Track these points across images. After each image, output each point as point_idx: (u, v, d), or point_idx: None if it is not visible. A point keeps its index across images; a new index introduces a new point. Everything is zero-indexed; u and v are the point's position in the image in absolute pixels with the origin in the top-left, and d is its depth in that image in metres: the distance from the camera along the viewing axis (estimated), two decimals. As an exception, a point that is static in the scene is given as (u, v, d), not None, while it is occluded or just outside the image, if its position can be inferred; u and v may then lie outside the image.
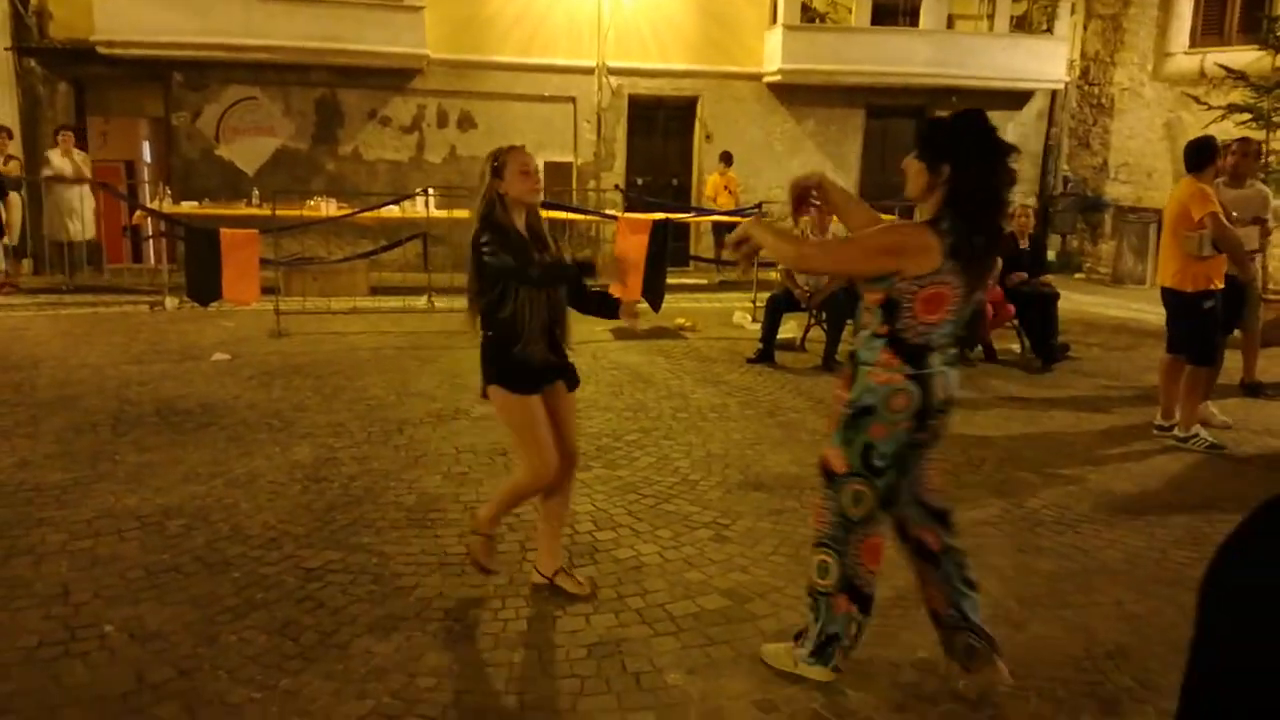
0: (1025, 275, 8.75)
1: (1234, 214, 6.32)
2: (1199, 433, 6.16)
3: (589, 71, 14.39)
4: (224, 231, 9.30)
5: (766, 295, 9.31)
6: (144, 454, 5.45)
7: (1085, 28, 15.95)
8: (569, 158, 14.58)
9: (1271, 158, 10.11)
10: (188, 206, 11.80)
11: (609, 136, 14.73)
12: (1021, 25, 15.87)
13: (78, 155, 11.82)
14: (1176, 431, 6.24)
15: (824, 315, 8.63)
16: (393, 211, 11.78)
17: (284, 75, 13.39)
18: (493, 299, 3.50)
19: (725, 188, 14.04)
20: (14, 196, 11.33)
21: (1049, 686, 3.19)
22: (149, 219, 11.48)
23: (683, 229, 13.51)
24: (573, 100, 14.46)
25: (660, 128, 15.20)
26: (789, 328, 8.94)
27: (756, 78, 15.07)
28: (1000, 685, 3.09)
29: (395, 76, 13.75)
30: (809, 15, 14.90)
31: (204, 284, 9.36)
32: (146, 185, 13.34)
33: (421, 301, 10.89)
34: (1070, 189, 16.42)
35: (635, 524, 4.55)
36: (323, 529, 4.44)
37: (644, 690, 3.13)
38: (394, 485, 5.03)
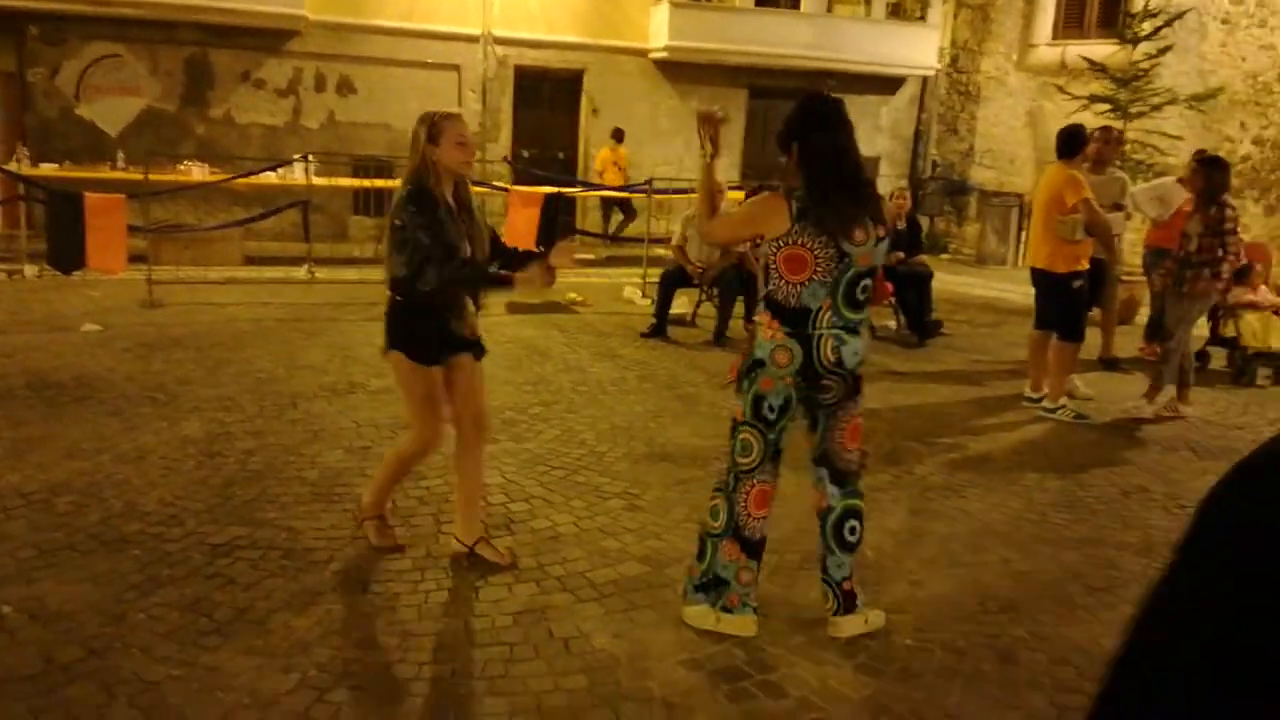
0: (902, 255, 9.12)
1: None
2: (1066, 404, 6.59)
3: (474, 40, 14.14)
4: (88, 196, 8.80)
5: (657, 271, 9.42)
6: (19, 429, 5.15)
7: (955, 17, 16.60)
8: (453, 128, 14.30)
9: (1127, 146, 10.77)
10: (47, 169, 11.06)
11: (494, 107, 14.53)
12: (897, 13, 16.41)
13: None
14: (1045, 403, 6.66)
15: (715, 291, 8.79)
16: (269, 178, 11.35)
17: (150, 32, 12.65)
18: (411, 271, 3.46)
19: (614, 164, 14.07)
20: None
21: (950, 639, 3.41)
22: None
23: (569, 203, 13.48)
24: (457, 69, 14.19)
25: (546, 100, 15.08)
26: (680, 303, 9.07)
27: (643, 53, 15.11)
28: (835, 636, 3.32)
29: (270, 37, 13.18)
30: (695, -7, 15.02)
31: (66, 251, 8.84)
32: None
33: (301, 272, 10.55)
34: (938, 173, 17.14)
35: (548, 495, 4.59)
36: (224, 505, 4.31)
37: (572, 654, 3.19)
38: (294, 460, 4.91)
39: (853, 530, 3.33)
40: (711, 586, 3.34)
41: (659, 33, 14.76)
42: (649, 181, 11.13)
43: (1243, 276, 7.88)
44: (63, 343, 7.10)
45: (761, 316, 3.20)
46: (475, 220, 3.63)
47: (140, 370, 6.49)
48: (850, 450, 3.32)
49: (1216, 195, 6.26)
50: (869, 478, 4.91)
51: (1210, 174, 6.31)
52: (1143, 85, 11.63)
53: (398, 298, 3.56)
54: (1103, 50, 12.73)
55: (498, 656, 3.16)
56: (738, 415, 3.27)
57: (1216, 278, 6.38)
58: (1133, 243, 9.63)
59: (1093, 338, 7.83)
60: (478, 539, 3.82)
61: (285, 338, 7.69)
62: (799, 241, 3.09)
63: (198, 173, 11.46)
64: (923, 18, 16.24)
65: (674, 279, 8.71)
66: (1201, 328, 7.29)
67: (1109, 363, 8.19)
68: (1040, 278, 6.69)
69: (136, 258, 9.24)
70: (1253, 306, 7.97)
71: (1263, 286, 8.18)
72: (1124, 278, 8.88)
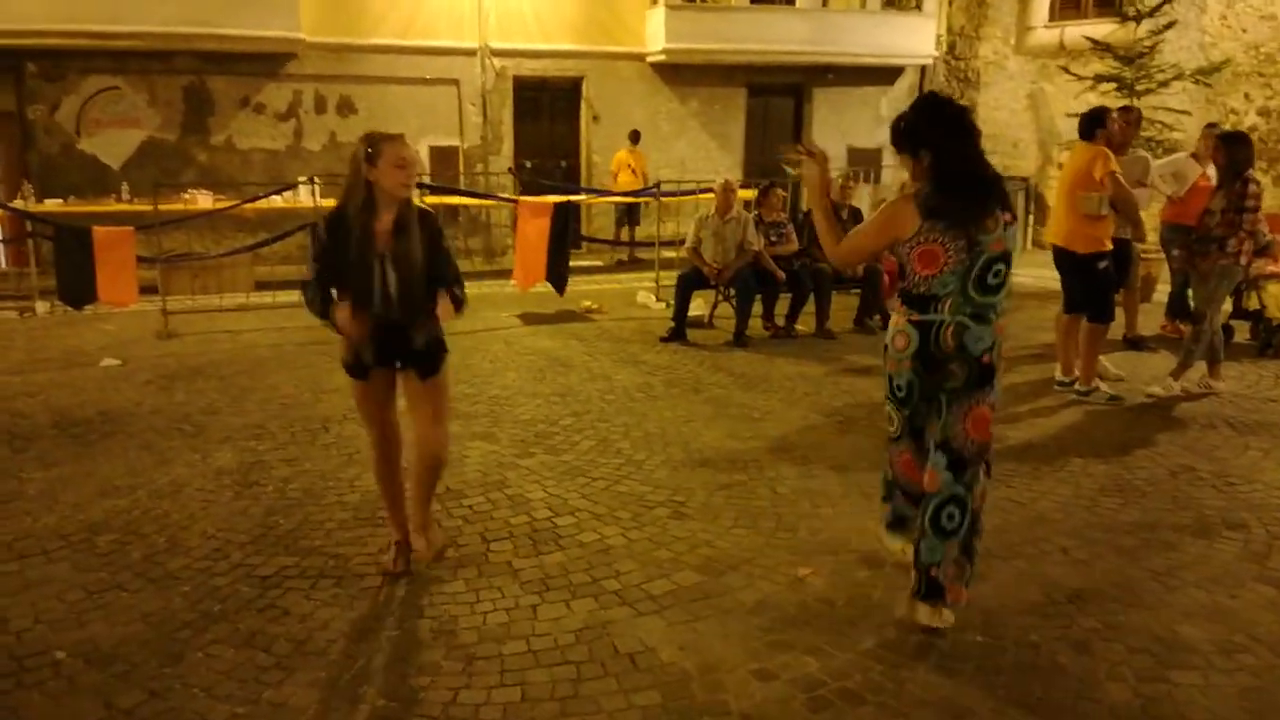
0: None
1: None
2: (1099, 386, 6.52)
3: (471, 53, 14.11)
4: (96, 230, 8.78)
5: (669, 275, 9.36)
6: (50, 469, 5.10)
7: (951, 4, 16.56)
8: (455, 141, 14.29)
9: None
10: (52, 204, 11.03)
11: (495, 119, 14.49)
12: (892, 3, 16.36)
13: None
14: (1078, 386, 6.59)
15: (732, 292, 8.73)
16: (274, 202, 11.31)
17: (147, 63, 12.64)
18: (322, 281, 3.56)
19: (629, 166, 13.99)
20: None
21: (1022, 634, 3.34)
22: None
23: (574, 211, 13.45)
24: (456, 83, 14.16)
25: (547, 109, 15.05)
26: (696, 305, 9.02)
27: (640, 58, 15.08)
28: (912, 620, 3.35)
29: (268, 62, 13.16)
30: (689, -5, 14.99)
31: (77, 286, 8.84)
32: (0, 185, 12.41)
33: (314, 295, 10.47)
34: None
35: (592, 507, 4.53)
36: (267, 535, 4.26)
37: (641, 670, 3.13)
38: (333, 485, 4.86)
39: (951, 517, 3.28)
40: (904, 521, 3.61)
41: (655, 36, 14.72)
42: (658, 185, 11.08)
43: (1265, 249, 7.80)
44: (83, 378, 7.05)
45: (898, 305, 3.38)
46: (410, 248, 3.48)
47: (165, 402, 6.44)
48: (972, 438, 3.27)
49: (1241, 171, 6.19)
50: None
51: (1233, 149, 6.24)
52: (1148, 62, 11.56)
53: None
54: (1102, 29, 12.68)
55: (565, 676, 3.10)
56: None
57: (1229, 253, 6.29)
58: (1150, 219, 9.57)
59: (1116, 318, 7.78)
60: (407, 532, 3.89)
61: (307, 362, 7.63)
62: (930, 238, 3.18)
63: (203, 201, 11.41)
64: (918, 6, 16.22)
65: (690, 281, 8.65)
66: (1224, 302, 7.22)
67: (1134, 342, 8.12)
68: (1062, 257, 6.62)
69: (147, 289, 9.20)
70: (1276, 278, 7.89)
71: (1285, 257, 8.10)
72: (1142, 255, 8.81)
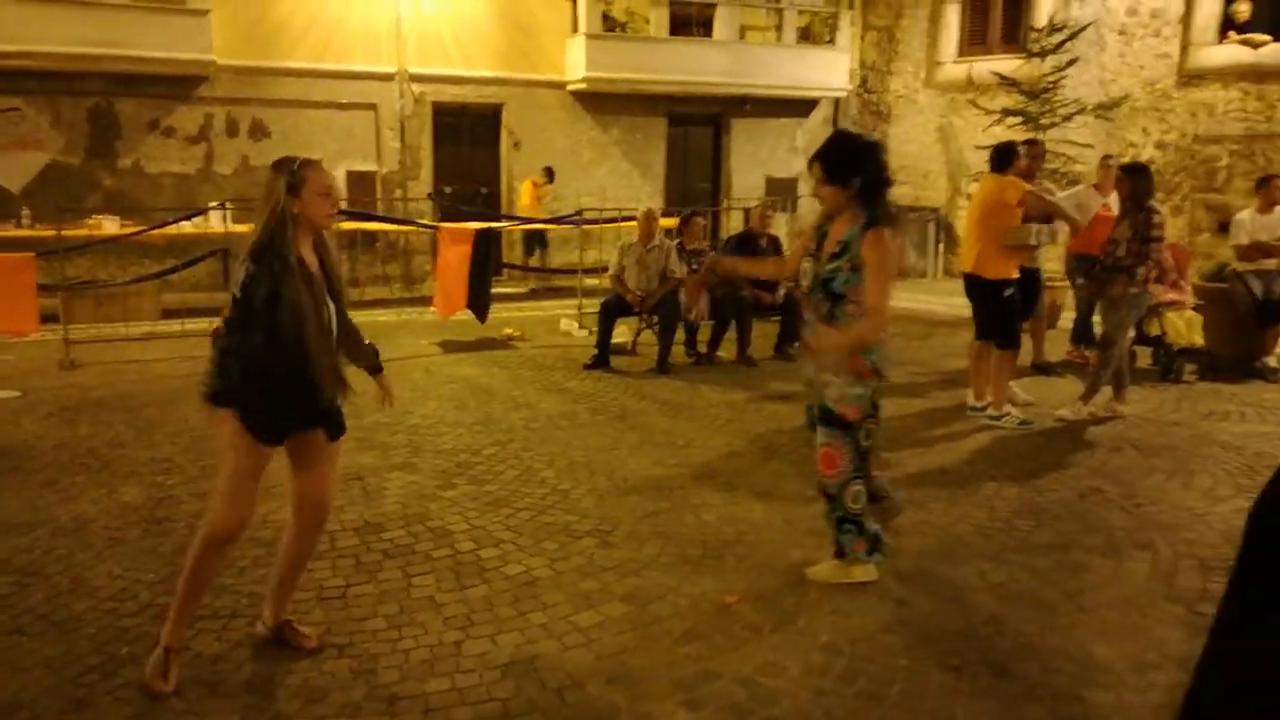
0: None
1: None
2: (1010, 411, 6.71)
3: (389, 78, 13.98)
4: (-6, 256, 8.41)
5: (592, 302, 9.37)
6: (-58, 508, 4.84)
7: (863, 39, 17.02)
8: (373, 166, 14.11)
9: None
10: (-55, 229, 10.56)
11: (413, 145, 14.36)
12: (807, 37, 16.74)
13: None
14: (989, 411, 6.78)
15: (655, 319, 8.78)
16: (183, 228, 10.99)
17: (49, 84, 12.19)
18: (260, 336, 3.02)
19: (537, 198, 14.15)
20: None
21: (944, 657, 3.39)
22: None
23: (496, 238, 13.41)
24: (374, 108, 14.00)
25: (466, 135, 14.96)
26: (620, 332, 9.04)
27: (561, 86, 15.13)
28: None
29: (178, 84, 12.82)
30: (609, 24, 15.10)
31: (-28, 315, 8.43)
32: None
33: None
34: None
35: (517, 539, 4.47)
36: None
37: (569, 705, 3.08)
38: (247, 520, 4.70)
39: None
40: (877, 540, 3.99)
41: (576, 65, 14.79)
42: (579, 212, 11.09)
43: (1162, 277, 8.15)
44: (-21, 412, 6.73)
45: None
46: (337, 277, 3.27)
47: (69, 436, 6.19)
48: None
49: (1143, 201, 6.47)
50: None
51: (1136, 181, 6.52)
52: (1051, 97, 12.04)
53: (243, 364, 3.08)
54: (1009, 65, 13.17)
55: (491, 714, 3.04)
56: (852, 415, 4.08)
57: (1134, 281, 6.55)
58: (1054, 249, 9.92)
59: (1025, 344, 8.03)
60: (284, 621, 3.47)
61: (218, 392, 7.39)
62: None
63: (109, 226, 11.04)
64: (832, 41, 16.60)
65: (613, 308, 8.67)
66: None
67: (1042, 368, 8.39)
68: (971, 283, 6.82)
69: (48, 318, 8.83)
70: (1175, 305, 8.25)
71: (1184, 284, 8.47)
72: (1048, 284, 9.13)
